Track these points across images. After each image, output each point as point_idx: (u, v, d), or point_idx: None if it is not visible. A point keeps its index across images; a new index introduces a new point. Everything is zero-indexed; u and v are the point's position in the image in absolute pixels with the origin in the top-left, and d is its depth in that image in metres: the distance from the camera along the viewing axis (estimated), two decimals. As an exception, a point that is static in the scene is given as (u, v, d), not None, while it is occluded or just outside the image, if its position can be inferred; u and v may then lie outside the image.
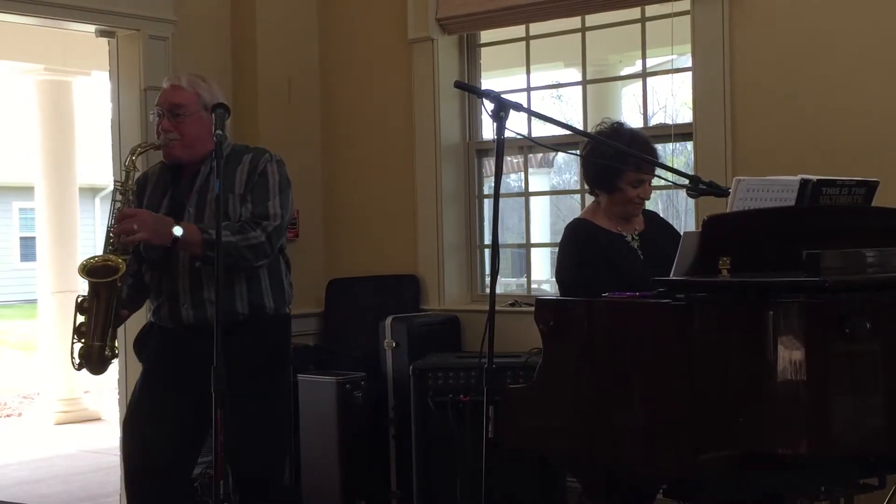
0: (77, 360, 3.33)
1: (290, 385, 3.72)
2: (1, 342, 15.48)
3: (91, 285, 3.30)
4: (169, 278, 3.43)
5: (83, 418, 8.46)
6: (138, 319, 3.71)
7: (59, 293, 8.35)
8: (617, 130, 3.56)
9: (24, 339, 14.25)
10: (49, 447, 7.59)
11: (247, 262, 3.35)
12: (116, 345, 3.38)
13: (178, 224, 3.28)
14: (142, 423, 3.49)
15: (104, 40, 5.37)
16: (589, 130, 4.73)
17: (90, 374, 3.41)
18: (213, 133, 3.16)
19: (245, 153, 3.51)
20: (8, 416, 9.45)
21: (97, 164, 13.42)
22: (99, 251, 3.42)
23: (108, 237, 3.34)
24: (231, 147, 3.51)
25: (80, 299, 3.34)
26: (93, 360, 3.32)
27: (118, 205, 3.37)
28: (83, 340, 3.32)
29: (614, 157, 3.40)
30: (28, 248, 18.43)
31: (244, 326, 3.37)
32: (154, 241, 3.29)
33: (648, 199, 3.62)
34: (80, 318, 3.33)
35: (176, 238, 3.25)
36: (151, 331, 3.56)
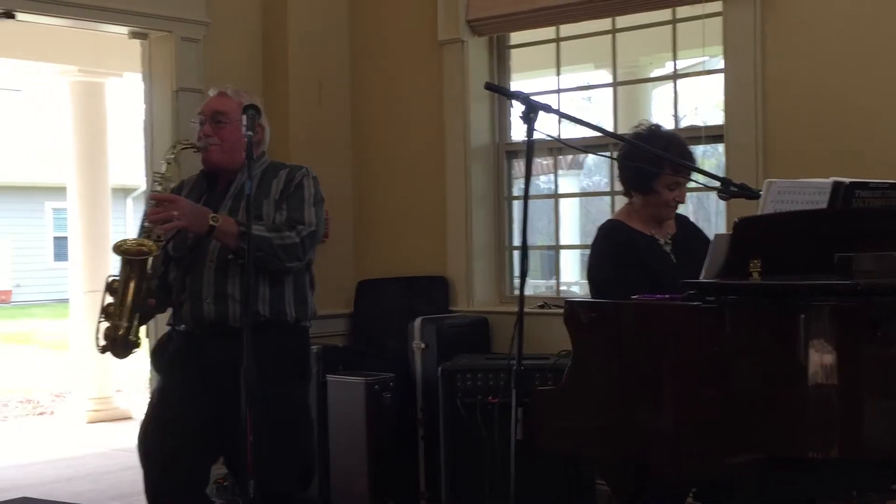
0: (102, 342, 3.32)
1: (308, 392, 3.69)
2: (34, 341, 15.64)
3: (123, 263, 3.30)
4: (193, 274, 3.44)
5: (114, 417, 8.52)
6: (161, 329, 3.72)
7: (92, 292, 8.40)
8: (655, 133, 3.55)
9: (57, 338, 14.38)
10: (81, 445, 7.65)
11: (279, 261, 3.35)
12: (142, 333, 3.38)
13: (214, 214, 3.30)
14: (161, 428, 3.47)
15: (137, 42, 5.41)
16: (619, 132, 4.72)
17: (114, 358, 3.39)
18: (254, 147, 3.23)
19: (282, 168, 3.55)
20: (41, 414, 9.54)
21: (129, 165, 13.56)
22: None
23: (143, 224, 3.35)
24: (268, 162, 3.56)
25: (110, 279, 3.34)
26: (118, 342, 3.31)
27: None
28: (110, 321, 3.31)
29: (651, 159, 3.39)
30: (61, 248, 18.61)
31: (264, 329, 3.34)
32: (191, 230, 3.31)
33: (683, 202, 3.62)
34: (109, 299, 3.33)
35: (212, 228, 3.27)
36: (170, 339, 3.57)
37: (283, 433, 3.38)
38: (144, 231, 3.33)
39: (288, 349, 3.47)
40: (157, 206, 3.28)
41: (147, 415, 3.56)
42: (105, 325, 3.32)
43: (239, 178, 3.47)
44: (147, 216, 3.35)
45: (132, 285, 3.30)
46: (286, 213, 3.42)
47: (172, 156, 3.44)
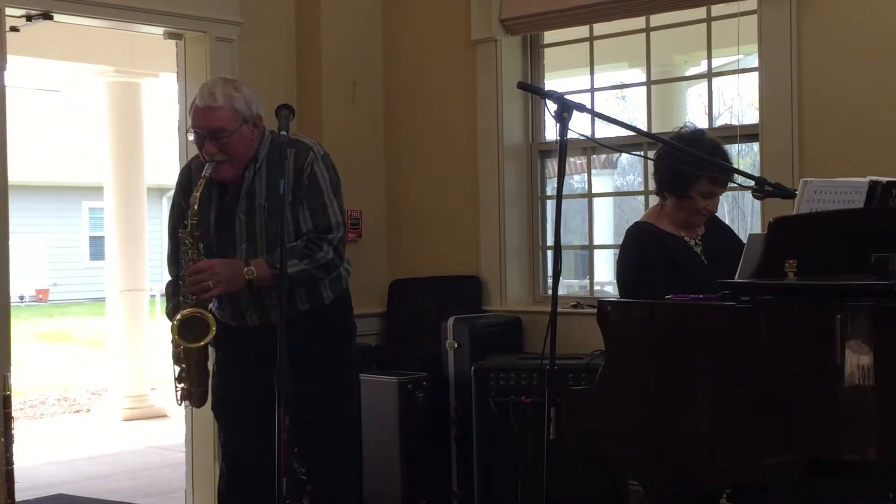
0: (180, 398, 3.52)
1: (351, 356, 3.73)
2: (71, 339, 15.79)
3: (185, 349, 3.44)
4: None
5: (150, 415, 8.59)
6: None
7: (127, 291, 8.50)
8: (699, 138, 3.52)
9: (94, 337, 14.52)
10: (117, 443, 7.73)
11: (319, 280, 3.46)
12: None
13: (248, 266, 3.35)
14: (227, 412, 3.61)
15: (172, 42, 5.45)
16: (654, 131, 4.70)
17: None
18: (255, 140, 3.39)
19: (287, 147, 3.42)
20: (77, 411, 9.63)
21: (165, 165, 13.66)
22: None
23: (184, 286, 3.38)
24: (270, 139, 3.50)
25: (174, 351, 3.46)
26: (195, 400, 3.52)
27: (189, 253, 3.39)
28: (183, 385, 3.48)
29: (691, 162, 3.37)
30: (97, 247, 18.78)
31: (304, 317, 3.45)
32: (230, 291, 3.39)
33: (715, 212, 3.60)
34: (177, 367, 3.48)
35: (249, 281, 3.34)
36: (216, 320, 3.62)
37: (325, 406, 3.47)
38: (190, 299, 3.37)
39: (325, 330, 3.54)
40: (193, 275, 3.32)
41: (214, 394, 3.64)
42: (181, 387, 3.49)
43: (247, 175, 3.46)
44: (183, 281, 3.39)
45: (196, 356, 3.46)
46: (309, 216, 3.41)
47: (196, 207, 3.37)
